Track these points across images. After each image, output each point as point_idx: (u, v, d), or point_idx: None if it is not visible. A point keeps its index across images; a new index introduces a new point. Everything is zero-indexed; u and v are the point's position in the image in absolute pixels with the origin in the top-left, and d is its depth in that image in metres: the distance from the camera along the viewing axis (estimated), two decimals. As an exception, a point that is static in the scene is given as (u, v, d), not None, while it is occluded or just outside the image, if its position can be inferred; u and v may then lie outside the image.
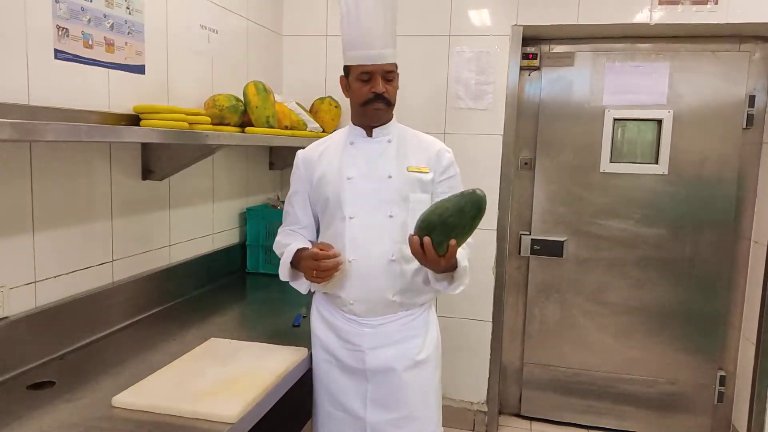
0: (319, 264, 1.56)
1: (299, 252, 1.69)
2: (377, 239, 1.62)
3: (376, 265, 1.64)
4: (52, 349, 1.65)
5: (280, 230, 1.86)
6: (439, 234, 1.43)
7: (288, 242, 1.75)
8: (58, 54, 1.61)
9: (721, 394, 3.05)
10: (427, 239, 1.43)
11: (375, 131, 1.71)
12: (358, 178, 1.66)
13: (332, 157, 1.72)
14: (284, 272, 1.72)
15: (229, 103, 2.24)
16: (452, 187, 1.71)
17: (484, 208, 1.43)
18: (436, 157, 1.71)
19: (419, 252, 1.46)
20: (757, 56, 2.86)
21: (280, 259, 1.76)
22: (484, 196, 1.43)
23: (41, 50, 1.56)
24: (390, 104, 1.66)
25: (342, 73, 1.72)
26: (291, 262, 1.70)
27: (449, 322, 3.06)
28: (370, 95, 1.62)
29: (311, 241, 1.79)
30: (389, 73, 1.63)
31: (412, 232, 1.50)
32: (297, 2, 3.09)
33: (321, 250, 1.58)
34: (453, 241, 1.43)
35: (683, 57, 2.91)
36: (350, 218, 1.64)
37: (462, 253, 1.57)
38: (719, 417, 3.07)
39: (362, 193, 1.65)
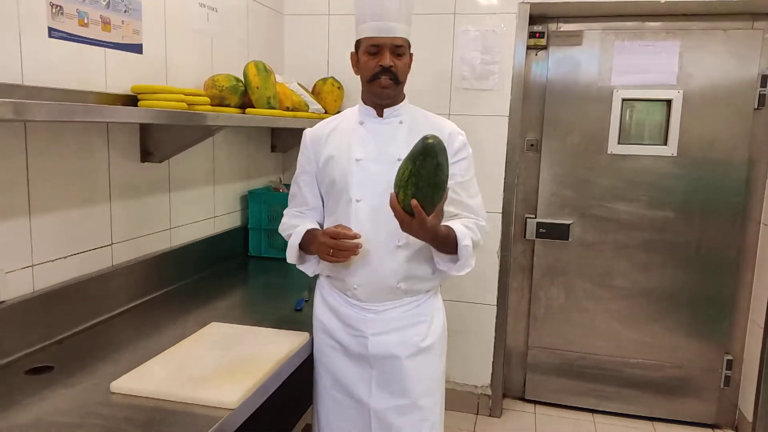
0: (337, 243, 1.53)
1: (310, 232, 1.65)
2: (384, 224, 1.58)
3: (381, 250, 1.60)
4: (51, 334, 1.63)
5: (286, 212, 1.82)
6: (401, 194, 1.41)
7: (296, 224, 1.72)
8: (53, 32, 1.57)
9: (727, 378, 3.02)
10: (392, 196, 1.41)
11: (386, 111, 1.66)
12: (367, 160, 1.62)
13: (341, 137, 1.68)
14: (292, 254, 1.69)
15: (229, 84, 2.19)
16: (464, 169, 1.67)
17: (433, 149, 1.38)
18: (448, 139, 1.62)
19: (394, 208, 1.42)
20: (771, 34, 2.79)
21: (283, 241, 1.73)
22: (429, 141, 1.38)
23: (34, 28, 1.52)
24: (398, 81, 1.60)
25: (353, 50, 1.66)
26: (300, 244, 1.66)
27: (454, 305, 3.04)
28: (377, 69, 1.57)
29: (320, 224, 1.75)
30: (399, 48, 1.58)
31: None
32: (298, -20, 3.03)
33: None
34: (413, 201, 1.39)
35: (694, 36, 2.84)
36: (357, 201, 1.60)
37: (464, 232, 1.56)
38: (725, 401, 3.05)
39: (370, 176, 1.60)
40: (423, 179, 1.38)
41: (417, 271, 1.64)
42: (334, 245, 1.53)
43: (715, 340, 3.01)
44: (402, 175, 1.40)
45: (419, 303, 1.69)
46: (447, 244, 1.55)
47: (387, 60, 1.56)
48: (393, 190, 1.44)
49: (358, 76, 1.66)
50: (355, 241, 1.54)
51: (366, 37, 1.58)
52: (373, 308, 1.65)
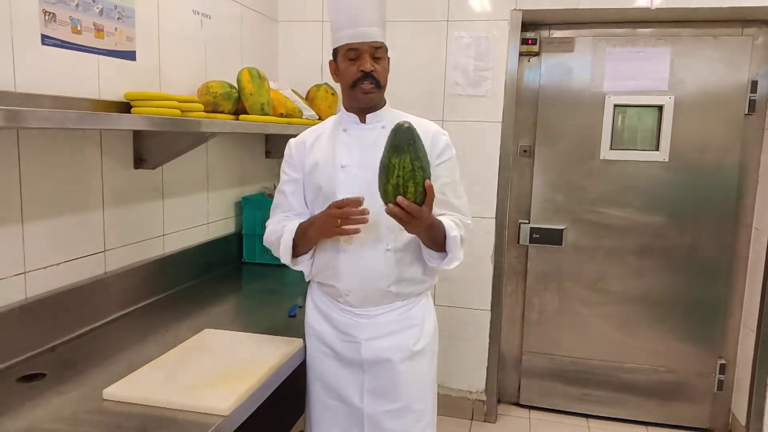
0: (344, 211, 1.48)
1: (301, 225, 1.62)
2: (372, 228, 1.58)
3: (371, 255, 1.60)
4: (43, 341, 1.63)
5: (268, 222, 1.77)
6: (411, 186, 1.38)
7: (284, 224, 1.68)
8: (46, 40, 1.57)
9: (720, 383, 3.03)
10: (401, 198, 1.38)
11: (368, 117, 1.66)
12: (353, 166, 1.62)
13: (326, 145, 1.68)
14: (286, 252, 1.63)
15: (222, 90, 2.20)
16: (450, 170, 1.67)
17: (414, 131, 1.39)
18: (431, 140, 1.64)
19: (402, 214, 1.40)
20: (761, 41, 2.81)
21: (275, 248, 1.70)
22: (405, 125, 1.39)
23: (27, 36, 1.52)
24: (380, 85, 1.60)
25: (331, 59, 1.66)
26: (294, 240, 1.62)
27: (448, 311, 3.05)
28: (359, 74, 1.57)
29: None
30: (377, 50, 1.58)
31: None
32: (292, -13, 3.05)
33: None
34: (427, 181, 1.38)
35: (685, 42, 2.86)
36: None
37: (450, 224, 1.56)
38: (719, 405, 3.06)
39: (357, 182, 1.60)
40: (423, 160, 1.39)
41: (407, 273, 1.64)
42: (341, 214, 1.48)
43: (708, 344, 3.02)
44: (401, 170, 1.37)
45: (411, 306, 1.69)
46: (438, 234, 1.55)
47: (368, 65, 1.56)
48: (386, 200, 1.41)
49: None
50: (362, 207, 1.48)
51: (344, 44, 1.57)
52: (366, 313, 1.65)
